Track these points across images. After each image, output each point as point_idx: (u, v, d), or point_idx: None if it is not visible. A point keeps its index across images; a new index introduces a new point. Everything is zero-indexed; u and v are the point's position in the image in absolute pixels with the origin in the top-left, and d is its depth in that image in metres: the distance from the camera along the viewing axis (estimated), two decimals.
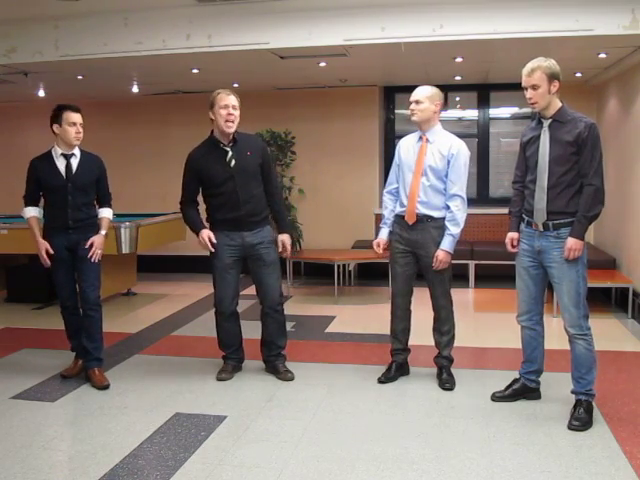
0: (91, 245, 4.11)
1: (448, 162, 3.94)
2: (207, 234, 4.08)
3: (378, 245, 4.14)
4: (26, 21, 5.41)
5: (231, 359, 4.33)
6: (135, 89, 7.78)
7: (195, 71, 6.53)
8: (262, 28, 5.21)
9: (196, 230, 4.15)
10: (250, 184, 4.12)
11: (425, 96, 3.95)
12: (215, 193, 4.10)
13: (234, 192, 4.06)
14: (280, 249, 4.28)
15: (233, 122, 4.03)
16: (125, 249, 5.91)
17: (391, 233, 4.12)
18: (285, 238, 4.29)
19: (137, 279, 7.27)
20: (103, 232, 4.22)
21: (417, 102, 3.95)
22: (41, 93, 7.31)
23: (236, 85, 7.55)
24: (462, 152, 3.98)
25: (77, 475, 2.93)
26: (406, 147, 4.09)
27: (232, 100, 4.03)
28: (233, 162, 4.08)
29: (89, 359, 4.19)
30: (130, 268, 7.03)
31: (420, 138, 4.02)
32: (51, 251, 4.06)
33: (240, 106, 4.09)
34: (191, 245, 7.94)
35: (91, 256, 4.09)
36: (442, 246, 3.92)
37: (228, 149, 4.09)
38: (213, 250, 4.09)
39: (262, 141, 4.52)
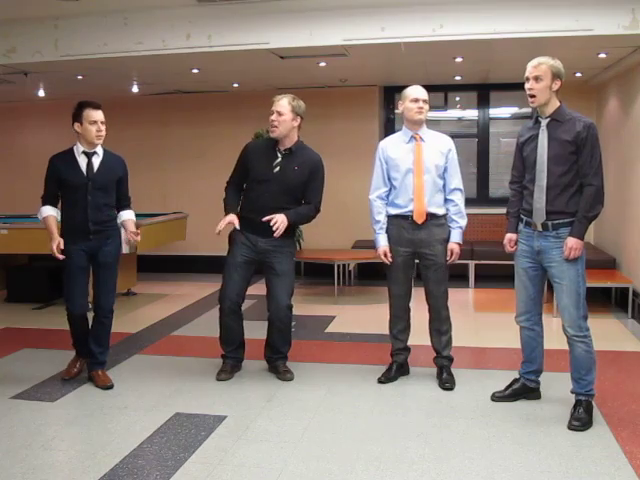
0: (112, 253, 4.10)
1: (446, 158, 4.00)
2: (229, 219, 4.01)
3: (386, 255, 4.03)
4: (26, 21, 5.42)
5: (230, 358, 4.30)
6: (135, 89, 7.78)
7: (195, 71, 6.53)
8: (262, 28, 5.21)
9: (225, 210, 4.09)
10: (282, 197, 4.05)
11: (427, 97, 4.00)
12: (250, 189, 4.12)
13: (262, 196, 4.04)
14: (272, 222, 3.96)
15: (276, 127, 4.02)
16: (125, 249, 5.90)
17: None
18: (280, 217, 3.96)
19: (137, 279, 7.27)
20: (134, 229, 4.18)
21: (425, 101, 3.97)
22: (41, 93, 7.31)
23: (236, 85, 7.56)
24: (454, 146, 4.09)
25: (77, 475, 2.93)
26: (395, 149, 4.04)
27: (277, 105, 4.04)
28: (277, 169, 4.06)
29: (93, 362, 4.17)
30: (130, 268, 7.03)
31: (412, 138, 4.01)
32: (62, 246, 3.92)
33: (292, 110, 4.02)
34: (191, 245, 8.00)
35: (128, 241, 4.17)
36: (454, 239, 3.99)
37: (280, 155, 4.08)
38: (218, 230, 3.98)
39: (319, 160, 4.17)
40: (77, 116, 3.96)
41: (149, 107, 8.59)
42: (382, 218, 4.06)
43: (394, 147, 4.05)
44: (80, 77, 6.68)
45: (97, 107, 3.97)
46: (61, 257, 3.95)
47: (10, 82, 6.73)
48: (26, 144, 8.95)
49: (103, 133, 3.99)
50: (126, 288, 7.10)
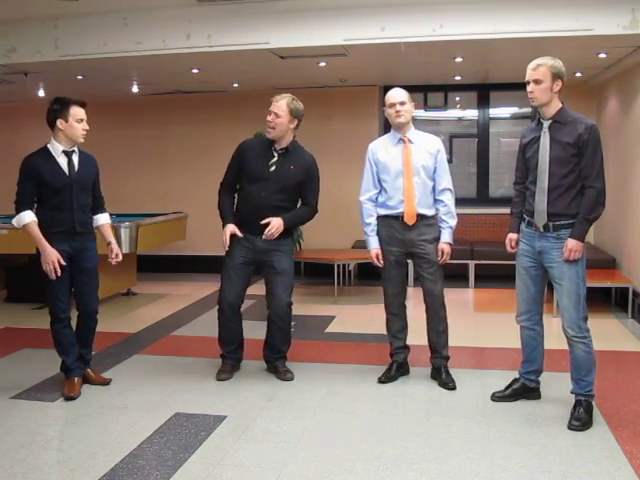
0: (94, 258, 3.98)
1: (435, 159, 4.00)
2: (230, 230, 4.05)
3: (378, 257, 4.07)
4: (26, 21, 5.42)
5: (229, 358, 4.31)
6: (135, 89, 7.78)
7: (195, 71, 6.53)
8: (262, 28, 5.21)
9: (223, 221, 4.11)
10: (277, 196, 4.06)
11: (407, 97, 4.00)
12: (246, 188, 4.11)
13: (260, 197, 4.04)
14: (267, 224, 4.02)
15: (273, 128, 4.03)
16: (125, 249, 5.91)
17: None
18: (277, 222, 4.01)
19: (137, 279, 7.27)
20: (113, 240, 4.08)
21: (402, 103, 3.97)
22: (41, 93, 7.31)
23: (236, 85, 7.56)
24: (442, 147, 4.09)
25: (77, 475, 2.93)
26: (383, 151, 4.06)
27: (274, 107, 4.03)
28: (273, 168, 4.07)
29: (83, 363, 4.12)
30: (130, 268, 7.03)
31: (400, 140, 4.02)
32: (63, 262, 3.74)
33: (290, 112, 4.03)
34: (191, 245, 8.00)
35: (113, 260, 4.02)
36: (445, 239, 3.99)
37: (276, 154, 4.09)
38: (227, 249, 4.09)
39: (313, 161, 4.27)
40: (60, 112, 3.78)
41: (149, 107, 8.59)
42: (373, 220, 4.11)
43: (383, 149, 4.07)
44: (80, 77, 6.68)
45: (83, 105, 3.87)
46: (54, 276, 3.75)
47: (10, 82, 6.73)
48: (26, 144, 8.92)
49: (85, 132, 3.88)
50: (126, 288, 7.10)
